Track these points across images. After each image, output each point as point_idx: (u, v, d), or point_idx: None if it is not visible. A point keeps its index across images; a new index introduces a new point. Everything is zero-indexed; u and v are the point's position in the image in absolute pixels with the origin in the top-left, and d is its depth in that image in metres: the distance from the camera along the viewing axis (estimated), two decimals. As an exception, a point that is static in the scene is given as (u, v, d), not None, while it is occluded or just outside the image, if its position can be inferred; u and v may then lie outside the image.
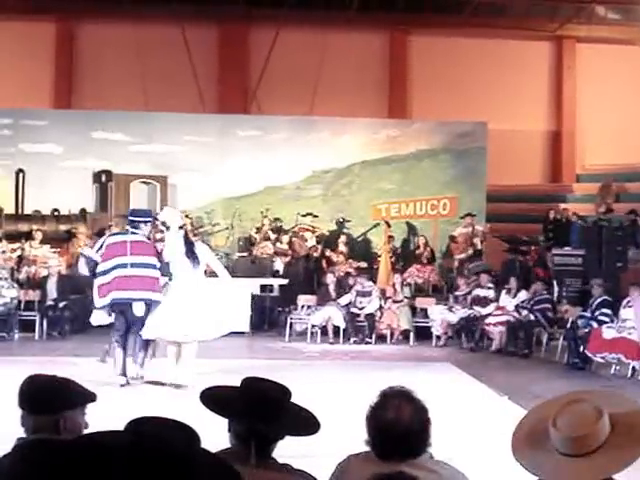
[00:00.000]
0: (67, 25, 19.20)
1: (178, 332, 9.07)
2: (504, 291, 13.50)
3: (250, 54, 19.40)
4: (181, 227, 9.61)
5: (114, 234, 9.96)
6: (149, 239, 9.57)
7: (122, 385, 8.94)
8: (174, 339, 9.17)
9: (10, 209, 16.85)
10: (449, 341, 13.61)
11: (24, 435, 2.94)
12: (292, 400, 2.95)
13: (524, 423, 2.46)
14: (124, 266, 8.97)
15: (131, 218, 9.47)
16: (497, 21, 19.27)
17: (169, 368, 9.29)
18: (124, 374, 9.04)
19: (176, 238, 9.29)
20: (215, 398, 2.92)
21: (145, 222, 9.36)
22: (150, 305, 9.09)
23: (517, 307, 13.13)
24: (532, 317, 12.95)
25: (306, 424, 2.95)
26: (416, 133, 18.18)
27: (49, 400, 2.89)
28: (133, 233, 9.21)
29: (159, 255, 9.21)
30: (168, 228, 9.43)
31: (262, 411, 2.77)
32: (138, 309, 9.06)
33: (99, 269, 9.12)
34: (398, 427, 2.65)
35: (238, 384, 2.95)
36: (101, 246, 9.22)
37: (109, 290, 8.99)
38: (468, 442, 6.77)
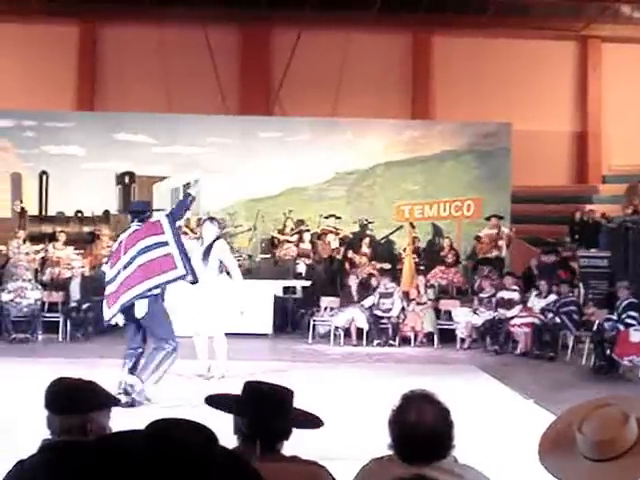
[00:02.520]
0: (90, 27, 19.28)
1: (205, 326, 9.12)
2: (534, 293, 13.37)
3: (272, 55, 19.39)
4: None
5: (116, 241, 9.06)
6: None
7: (128, 404, 7.84)
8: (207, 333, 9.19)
9: (34, 211, 16.93)
10: (473, 344, 13.50)
11: (49, 436, 2.96)
12: (297, 405, 2.98)
13: (551, 428, 2.44)
14: (127, 265, 8.14)
15: (130, 213, 8.96)
16: (521, 21, 19.12)
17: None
18: (126, 392, 8.07)
19: (198, 244, 9.22)
20: (220, 398, 3.01)
21: (143, 216, 8.50)
22: (161, 296, 8.33)
23: (543, 310, 13.00)
24: (558, 320, 12.81)
25: (309, 420, 3.01)
26: (440, 134, 18.07)
27: (76, 401, 2.92)
28: (130, 228, 8.50)
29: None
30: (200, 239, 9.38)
31: (266, 407, 2.82)
32: (139, 309, 8.19)
33: (106, 279, 8.44)
34: (421, 429, 2.63)
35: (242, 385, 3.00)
36: (108, 259, 8.70)
37: (117, 297, 8.22)
38: (493, 446, 6.68)
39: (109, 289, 8.32)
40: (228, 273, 9.78)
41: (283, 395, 2.93)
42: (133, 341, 8.41)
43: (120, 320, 8.46)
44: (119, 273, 8.20)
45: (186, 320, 9.35)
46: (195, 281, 8.44)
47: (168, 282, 8.27)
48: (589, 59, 20.20)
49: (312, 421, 3.01)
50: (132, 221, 8.62)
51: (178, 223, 8.69)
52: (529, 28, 19.22)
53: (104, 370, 8.27)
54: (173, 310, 8.80)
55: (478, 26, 18.96)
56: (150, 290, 8.16)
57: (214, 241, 9.65)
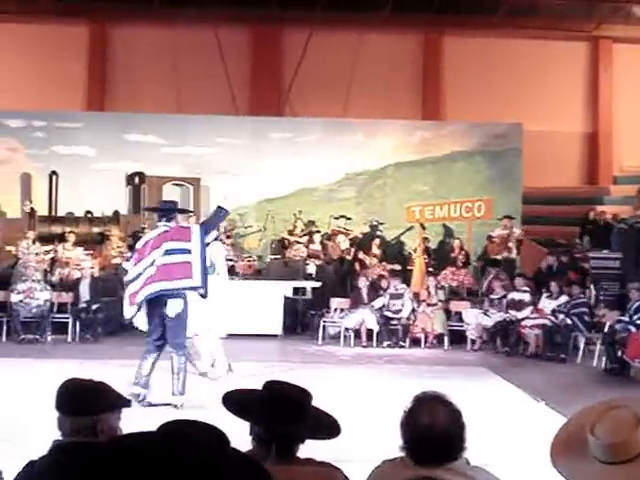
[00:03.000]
0: (100, 28, 19.30)
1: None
2: (545, 294, 13.30)
3: (283, 56, 19.37)
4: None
5: (141, 238, 9.04)
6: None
7: (139, 398, 7.96)
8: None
9: (43, 211, 16.95)
10: (484, 345, 13.43)
11: (60, 437, 2.97)
12: (313, 403, 2.95)
13: (563, 430, 2.42)
14: (151, 264, 8.12)
15: (156, 210, 9.04)
16: (532, 21, 19.05)
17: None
18: (145, 385, 8.21)
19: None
20: (236, 401, 2.95)
21: (170, 216, 8.54)
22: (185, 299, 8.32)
23: (554, 311, 12.93)
24: (569, 321, 12.74)
25: (327, 427, 2.97)
26: (450, 135, 18.01)
27: (87, 402, 2.93)
28: (157, 227, 8.51)
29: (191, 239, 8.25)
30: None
31: (283, 414, 2.79)
32: (173, 307, 8.15)
33: (128, 277, 8.42)
34: (433, 431, 2.62)
35: (262, 385, 2.96)
36: (131, 257, 8.61)
37: (137, 294, 8.21)
38: (504, 448, 6.64)
39: (132, 287, 8.26)
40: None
41: (302, 400, 2.90)
42: (155, 333, 8.33)
43: (143, 324, 8.43)
44: (142, 272, 8.18)
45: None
46: (205, 295, 8.37)
47: (180, 289, 8.22)
48: (600, 60, 20.11)
49: (328, 429, 2.97)
50: (159, 220, 8.59)
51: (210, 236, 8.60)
52: (540, 28, 19.14)
53: (113, 371, 8.26)
54: None
55: (489, 26, 18.91)
56: (162, 292, 8.14)
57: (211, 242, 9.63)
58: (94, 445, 2.67)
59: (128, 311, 8.32)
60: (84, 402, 2.94)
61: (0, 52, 18.70)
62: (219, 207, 8.97)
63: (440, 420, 2.63)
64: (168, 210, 8.72)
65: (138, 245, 8.59)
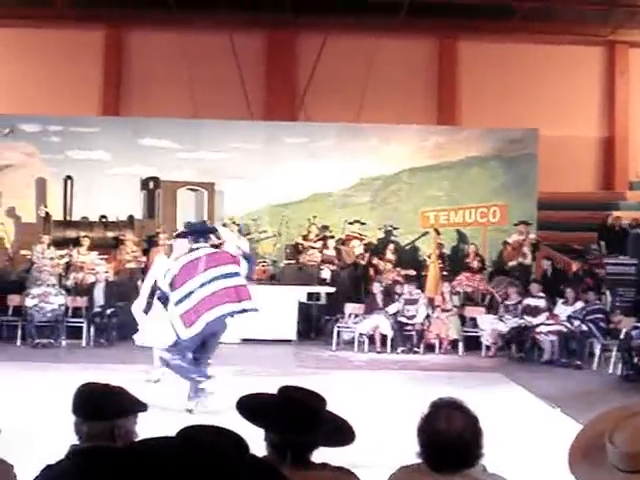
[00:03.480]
0: (116, 33, 19.38)
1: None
2: (560, 301, 13.22)
3: (298, 61, 19.38)
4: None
5: (177, 257, 8.74)
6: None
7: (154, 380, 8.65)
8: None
9: (58, 215, 16.98)
10: (499, 351, 13.36)
11: (77, 442, 2.97)
12: (328, 409, 2.93)
13: (580, 437, 2.39)
14: (205, 284, 8.21)
15: (193, 232, 8.90)
16: (548, 26, 18.98)
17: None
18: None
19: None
20: (250, 407, 2.91)
21: (207, 235, 8.82)
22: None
23: (569, 317, 12.85)
24: (584, 327, 12.67)
25: (342, 434, 2.95)
26: (465, 140, 17.95)
27: (104, 406, 2.94)
28: (198, 248, 8.51)
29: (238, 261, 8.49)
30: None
31: (298, 421, 2.77)
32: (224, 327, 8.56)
33: (174, 298, 8.26)
34: (450, 437, 2.61)
35: (277, 390, 2.93)
36: (165, 274, 8.47)
37: (198, 315, 8.16)
38: (521, 455, 6.59)
39: (183, 307, 8.20)
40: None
41: (317, 406, 2.87)
42: (193, 349, 8.45)
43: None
44: (193, 292, 8.20)
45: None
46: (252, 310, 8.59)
47: (243, 311, 8.44)
48: (616, 64, 20.01)
49: (343, 435, 2.94)
50: (196, 241, 8.58)
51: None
52: (556, 33, 19.07)
53: (127, 375, 8.26)
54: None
55: (505, 31, 18.85)
56: (230, 313, 8.40)
57: None
58: (112, 449, 2.67)
59: (186, 331, 8.24)
60: (101, 406, 2.94)
61: (17, 57, 18.81)
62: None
63: (457, 426, 2.62)
64: (207, 231, 9.03)
65: (178, 264, 8.43)
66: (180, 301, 8.21)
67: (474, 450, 2.64)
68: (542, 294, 13.53)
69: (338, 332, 13.80)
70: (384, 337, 13.50)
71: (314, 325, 14.79)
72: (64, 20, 18.59)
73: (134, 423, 3.00)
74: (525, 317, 13.20)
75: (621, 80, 20.00)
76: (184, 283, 8.22)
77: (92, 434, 2.90)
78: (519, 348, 13.04)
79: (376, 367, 12.01)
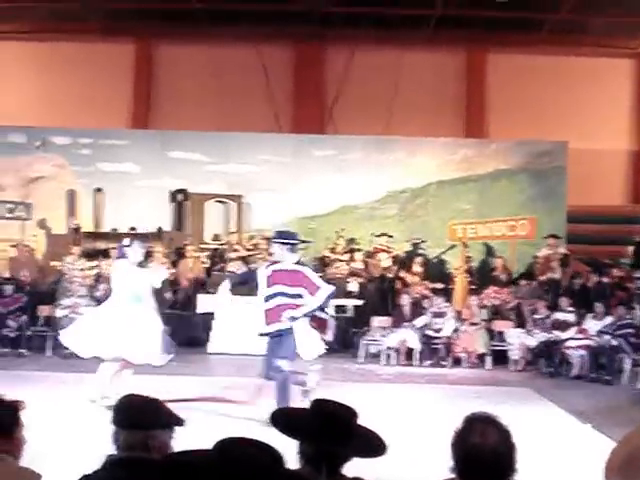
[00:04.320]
0: (145, 46, 19.56)
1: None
2: (590, 315, 13.10)
3: (326, 74, 19.43)
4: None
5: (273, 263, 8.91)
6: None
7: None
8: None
9: (88, 227, 17.16)
10: (527, 366, 13.26)
11: (113, 452, 2.98)
12: (359, 422, 2.96)
13: (617, 452, 2.38)
14: (284, 295, 8.46)
15: (288, 241, 8.91)
16: (577, 39, 18.90)
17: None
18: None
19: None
20: (284, 420, 2.95)
21: (296, 247, 8.89)
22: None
23: (599, 332, 12.73)
24: (614, 342, 12.54)
25: (373, 445, 2.98)
26: (494, 153, 17.91)
27: (140, 416, 2.97)
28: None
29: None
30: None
31: (331, 433, 2.80)
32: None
33: (265, 293, 8.53)
34: (484, 451, 2.60)
35: (310, 403, 2.96)
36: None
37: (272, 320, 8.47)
38: (552, 470, 6.53)
39: (267, 305, 8.46)
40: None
41: (349, 419, 2.89)
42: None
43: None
44: (274, 297, 8.43)
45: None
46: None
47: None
48: (646, 77, 19.87)
49: (375, 447, 2.96)
50: (292, 251, 8.68)
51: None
52: (585, 46, 18.99)
53: (155, 385, 8.27)
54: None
55: (533, 44, 18.79)
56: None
57: None
58: (151, 460, 2.69)
59: (264, 329, 8.49)
60: (137, 416, 2.97)
61: (48, 70, 19.04)
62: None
63: (490, 440, 2.61)
64: (298, 242, 9.01)
65: (267, 270, 8.62)
66: (270, 297, 8.44)
67: (508, 465, 2.63)
68: (571, 308, 13.42)
69: (365, 345, 13.77)
70: (411, 350, 13.45)
71: (341, 338, 14.74)
72: (95, 34, 18.81)
73: (170, 437, 3.01)
74: (554, 331, 13.09)
75: (651, 92, 19.85)
76: (271, 285, 8.45)
77: (127, 444, 2.92)
78: (548, 363, 12.93)
79: (403, 380, 11.95)
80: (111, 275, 8.98)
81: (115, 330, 8.67)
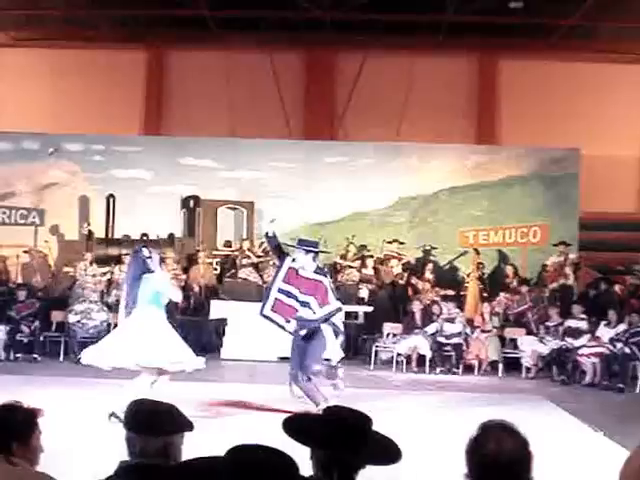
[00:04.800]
0: (157, 53, 19.61)
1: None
2: (603, 322, 13.05)
3: (337, 80, 19.43)
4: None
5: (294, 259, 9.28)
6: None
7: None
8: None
9: (101, 233, 17.21)
10: (539, 373, 13.21)
11: (127, 458, 2.97)
12: (373, 428, 2.93)
13: (631, 461, 2.33)
14: (294, 298, 8.94)
15: (311, 249, 9.25)
16: (589, 45, 18.83)
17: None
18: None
19: None
20: (298, 427, 2.92)
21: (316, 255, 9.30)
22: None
23: (612, 339, 12.68)
24: (627, 350, 12.49)
25: (388, 452, 2.95)
26: (506, 159, 17.87)
27: (159, 422, 2.96)
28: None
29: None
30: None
31: (345, 440, 2.78)
32: None
33: (280, 285, 9.04)
34: (500, 458, 2.58)
35: (322, 410, 3.00)
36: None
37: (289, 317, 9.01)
38: (565, 479, 6.49)
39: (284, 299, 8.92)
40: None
41: (363, 425, 2.88)
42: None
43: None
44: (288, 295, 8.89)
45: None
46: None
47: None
48: (659, 83, 19.77)
49: (389, 454, 2.95)
50: (313, 260, 9.07)
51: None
52: (597, 52, 18.91)
53: (167, 390, 8.28)
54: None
55: (545, 50, 18.73)
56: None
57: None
58: (163, 467, 2.68)
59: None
60: (156, 422, 2.96)
61: (60, 77, 19.11)
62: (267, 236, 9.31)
63: (506, 447, 2.58)
64: (319, 250, 9.50)
65: (292, 266, 9.00)
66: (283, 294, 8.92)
67: (523, 473, 2.61)
68: (584, 315, 13.37)
69: (376, 352, 13.76)
70: (422, 357, 13.43)
71: (352, 345, 14.73)
72: (106, 41, 18.87)
73: (182, 442, 3.01)
74: (566, 339, 13.04)
75: (664, 98, 19.76)
76: (287, 283, 8.92)
77: (146, 449, 2.91)
78: (560, 370, 12.89)
79: (414, 387, 11.93)
80: (138, 286, 8.72)
81: (146, 339, 8.47)
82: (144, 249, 8.79)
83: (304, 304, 8.76)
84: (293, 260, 9.05)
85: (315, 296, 8.71)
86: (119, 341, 8.63)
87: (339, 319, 9.21)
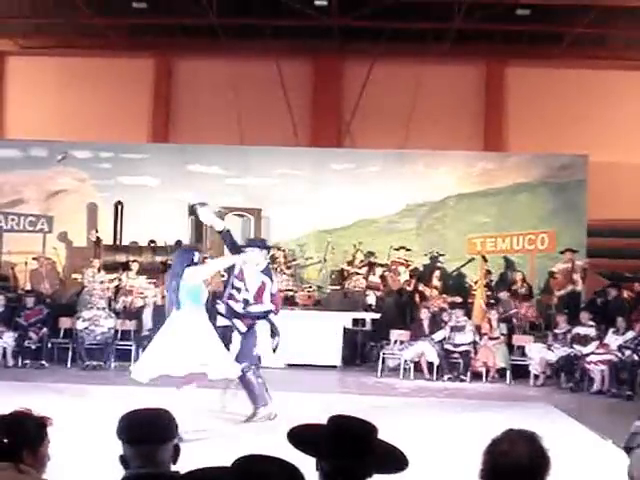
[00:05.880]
0: (165, 61, 19.70)
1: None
2: (611, 330, 13.01)
3: (344, 87, 19.47)
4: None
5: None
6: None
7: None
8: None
9: (109, 240, 17.25)
10: (547, 380, 13.17)
11: (127, 470, 2.92)
12: (379, 437, 2.90)
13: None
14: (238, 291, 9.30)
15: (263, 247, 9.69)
16: (597, 51, 18.83)
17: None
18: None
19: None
20: (303, 437, 2.90)
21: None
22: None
23: (620, 347, 12.64)
24: (635, 357, 12.44)
25: (394, 461, 2.92)
26: (513, 166, 17.86)
27: (155, 430, 2.92)
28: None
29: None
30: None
31: (350, 449, 2.75)
32: None
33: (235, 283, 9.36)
34: (508, 460, 2.58)
35: (327, 419, 2.91)
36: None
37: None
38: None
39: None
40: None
41: (368, 434, 2.86)
42: None
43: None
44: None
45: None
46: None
47: None
48: (666, 89, 19.73)
49: (396, 463, 2.93)
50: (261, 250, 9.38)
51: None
52: (605, 59, 18.90)
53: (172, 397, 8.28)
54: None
55: (553, 57, 18.74)
56: None
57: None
58: (169, 477, 2.67)
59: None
60: (150, 431, 2.92)
61: (69, 85, 19.21)
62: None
63: (517, 451, 2.58)
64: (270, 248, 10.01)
65: (244, 265, 9.21)
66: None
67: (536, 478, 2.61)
68: (592, 323, 13.32)
69: (383, 359, 13.74)
70: (430, 364, 13.40)
71: (359, 351, 14.75)
72: (115, 49, 18.98)
73: (169, 450, 2.95)
74: (575, 346, 13.00)
75: (672, 105, 19.71)
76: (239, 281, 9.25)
77: (137, 458, 2.87)
78: (568, 378, 12.85)
79: (422, 395, 11.90)
80: (178, 289, 8.72)
81: (193, 346, 8.28)
82: (196, 252, 8.90)
83: (244, 301, 9.12)
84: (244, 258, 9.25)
85: (255, 294, 9.05)
86: (166, 350, 8.41)
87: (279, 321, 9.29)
